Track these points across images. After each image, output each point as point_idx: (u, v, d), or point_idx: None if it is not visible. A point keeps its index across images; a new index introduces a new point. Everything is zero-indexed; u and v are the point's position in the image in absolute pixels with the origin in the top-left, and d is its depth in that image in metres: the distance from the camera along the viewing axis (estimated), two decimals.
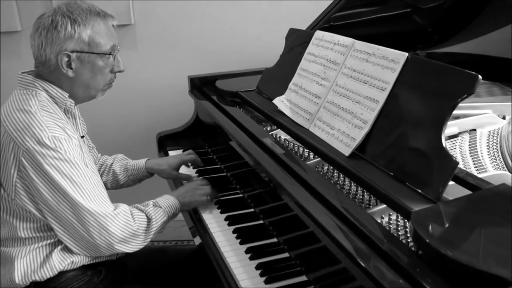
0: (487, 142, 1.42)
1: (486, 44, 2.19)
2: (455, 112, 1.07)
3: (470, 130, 1.51)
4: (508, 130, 1.46)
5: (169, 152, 1.94)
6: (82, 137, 1.45)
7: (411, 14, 2.12)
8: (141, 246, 1.31)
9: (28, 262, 1.28)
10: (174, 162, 1.69)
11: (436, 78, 1.06)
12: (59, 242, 1.29)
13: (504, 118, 1.57)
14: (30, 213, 1.26)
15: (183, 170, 1.80)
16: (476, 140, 1.42)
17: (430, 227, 0.85)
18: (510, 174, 1.22)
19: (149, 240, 1.32)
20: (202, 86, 1.99)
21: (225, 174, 1.72)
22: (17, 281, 1.27)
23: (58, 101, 1.29)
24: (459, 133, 1.49)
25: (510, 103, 1.62)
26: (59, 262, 1.28)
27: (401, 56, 1.17)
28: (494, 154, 1.36)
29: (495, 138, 1.45)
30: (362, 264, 0.85)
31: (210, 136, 1.93)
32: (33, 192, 1.22)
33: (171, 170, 1.67)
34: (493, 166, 1.28)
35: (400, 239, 0.97)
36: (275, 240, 1.31)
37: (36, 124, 1.19)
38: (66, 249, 1.29)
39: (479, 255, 0.77)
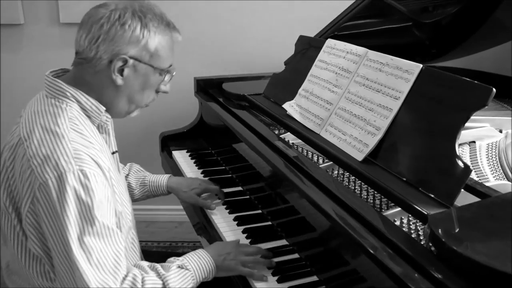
0: (486, 154, 1.48)
1: (481, 61, 2.28)
2: None
3: (470, 142, 1.57)
4: (506, 143, 1.52)
5: (173, 152, 1.96)
6: (113, 153, 1.25)
7: (412, 28, 2.19)
8: None
9: None
10: (197, 189, 1.56)
11: (450, 90, 1.12)
12: None
13: (501, 131, 1.64)
14: (38, 255, 1.08)
15: (187, 169, 1.82)
16: (476, 152, 1.48)
17: (446, 229, 0.89)
18: (511, 183, 1.29)
19: None
20: (207, 88, 2.02)
21: (230, 175, 1.75)
22: None
23: (92, 115, 1.12)
24: (459, 144, 1.55)
25: (507, 118, 1.70)
26: None
27: (415, 67, 1.22)
28: (494, 166, 1.42)
29: (493, 150, 1.51)
30: (384, 263, 0.89)
31: (214, 138, 1.96)
32: (40, 232, 1.04)
33: (192, 194, 1.55)
34: (494, 177, 1.34)
35: None
36: (285, 242, 1.35)
37: (62, 152, 1.00)
38: None
39: (494, 255, 0.82)
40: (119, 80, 1.10)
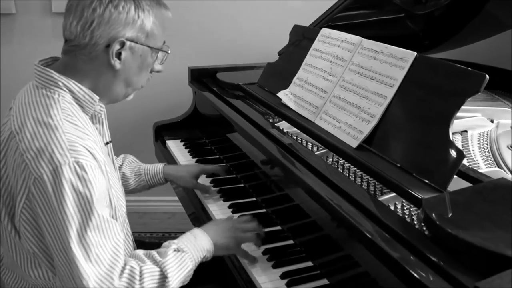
0: (478, 143, 1.50)
1: (473, 53, 2.31)
2: None
3: (462, 132, 1.59)
4: (498, 133, 1.55)
5: (167, 141, 1.96)
6: (107, 143, 1.22)
7: (405, 19, 2.20)
8: None
9: None
10: (194, 170, 1.56)
11: (444, 77, 1.13)
12: None
13: (492, 121, 1.66)
14: (34, 254, 1.04)
15: (181, 158, 1.82)
16: (468, 141, 1.50)
17: (440, 212, 0.91)
18: (503, 171, 1.31)
19: None
20: (202, 77, 2.02)
21: (224, 164, 1.76)
22: None
23: (85, 105, 1.08)
24: (452, 134, 1.57)
25: (498, 108, 1.72)
26: None
27: (410, 55, 1.23)
28: (486, 154, 1.44)
29: (485, 139, 1.53)
30: (380, 246, 0.90)
31: (207, 128, 1.96)
32: (38, 228, 1.01)
33: (190, 178, 1.54)
34: (485, 165, 1.36)
35: None
36: (279, 228, 1.36)
37: (57, 144, 0.96)
38: None
39: (487, 237, 0.83)
40: (117, 65, 1.07)
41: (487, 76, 1.04)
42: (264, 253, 1.24)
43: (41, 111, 1.01)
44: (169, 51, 1.18)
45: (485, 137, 1.54)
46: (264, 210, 1.45)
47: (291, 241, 1.30)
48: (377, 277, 0.96)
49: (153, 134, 2.06)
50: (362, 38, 1.41)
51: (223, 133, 1.76)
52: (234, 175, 1.66)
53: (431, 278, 0.80)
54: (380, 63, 1.30)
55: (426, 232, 0.93)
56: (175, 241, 1.12)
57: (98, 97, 1.10)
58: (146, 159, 1.69)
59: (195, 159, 1.81)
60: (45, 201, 0.95)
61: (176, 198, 1.79)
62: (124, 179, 1.51)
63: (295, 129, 1.50)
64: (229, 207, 1.47)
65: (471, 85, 1.06)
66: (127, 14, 1.03)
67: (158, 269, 1.03)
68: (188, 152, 1.87)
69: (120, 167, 1.54)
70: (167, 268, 1.04)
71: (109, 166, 1.15)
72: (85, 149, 0.98)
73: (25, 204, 0.99)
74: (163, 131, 2.02)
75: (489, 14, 2.10)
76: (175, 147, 1.91)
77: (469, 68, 1.09)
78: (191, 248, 1.10)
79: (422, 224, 0.95)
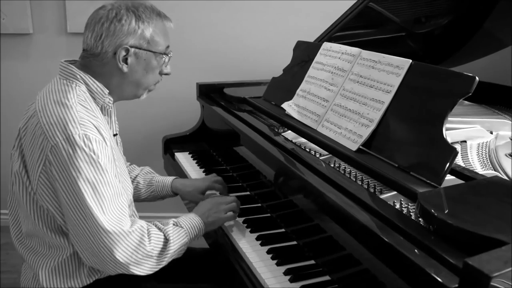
0: (477, 153, 1.55)
1: (472, 71, 2.36)
2: (447, 125, 1.17)
3: (461, 142, 1.64)
4: (496, 144, 1.59)
5: (175, 153, 2.03)
6: (115, 135, 1.41)
7: (405, 38, 2.28)
8: (155, 269, 1.22)
9: (54, 273, 1.26)
10: (201, 186, 1.63)
11: (437, 80, 1.19)
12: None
13: (491, 133, 1.71)
14: (49, 212, 1.22)
15: (189, 168, 1.88)
16: (467, 150, 1.55)
17: (435, 203, 0.96)
18: (499, 173, 1.35)
19: (164, 263, 1.24)
20: (209, 92, 2.10)
21: (231, 174, 1.81)
22: None
23: (96, 96, 1.27)
24: (451, 143, 1.62)
25: (497, 120, 1.77)
26: (89, 275, 1.27)
27: (405, 62, 1.30)
28: (484, 161, 1.48)
29: (484, 149, 1.58)
30: (377, 233, 0.95)
31: (215, 141, 2.03)
32: (53, 191, 1.18)
33: (197, 193, 1.62)
34: (483, 169, 1.40)
35: None
36: (283, 230, 1.40)
37: (70, 119, 1.15)
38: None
39: (477, 223, 0.88)
40: (125, 68, 1.27)
41: (477, 78, 1.10)
42: (276, 261, 1.27)
43: (60, 95, 1.21)
44: (171, 55, 1.36)
45: (484, 147, 1.58)
46: (268, 215, 1.50)
47: (294, 242, 1.34)
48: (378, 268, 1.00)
49: (162, 147, 2.13)
50: (361, 50, 1.48)
51: (230, 146, 1.82)
52: (240, 184, 1.72)
53: (428, 261, 0.84)
54: (378, 71, 1.37)
55: (422, 223, 0.98)
56: (173, 219, 1.31)
57: (108, 91, 1.29)
58: (155, 172, 1.75)
59: (202, 169, 1.87)
60: (61, 165, 1.13)
61: None
62: (136, 189, 1.62)
63: (300, 139, 1.57)
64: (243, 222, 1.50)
65: (462, 87, 1.12)
66: (128, 25, 1.24)
67: (161, 233, 1.24)
68: (196, 163, 1.93)
69: (136, 177, 1.66)
70: (169, 233, 1.24)
71: (117, 154, 1.32)
72: (93, 125, 1.18)
73: (42, 170, 1.17)
74: (172, 144, 2.09)
75: (487, 32, 2.18)
76: (184, 158, 1.98)
77: (460, 72, 1.15)
78: (187, 226, 1.29)
79: (419, 216, 1.00)
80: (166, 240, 1.23)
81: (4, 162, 2.73)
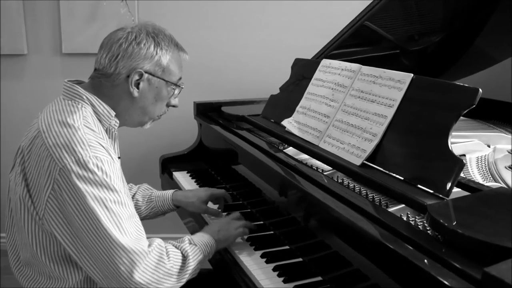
0: (476, 166, 1.56)
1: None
2: None
3: (460, 155, 1.65)
4: (495, 157, 1.61)
5: (173, 173, 2.01)
6: (119, 158, 1.36)
7: (399, 56, 2.32)
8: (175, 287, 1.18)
9: None
10: (203, 195, 1.61)
11: (440, 93, 1.21)
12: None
13: (489, 146, 1.73)
14: (53, 239, 1.17)
15: (188, 187, 1.86)
16: (467, 164, 1.56)
17: (445, 214, 0.95)
18: (502, 185, 1.35)
19: (184, 280, 1.20)
20: (207, 111, 2.10)
21: (230, 192, 1.80)
22: None
23: (102, 118, 1.24)
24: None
25: (494, 134, 1.80)
26: None
27: (407, 76, 1.32)
28: (485, 175, 1.49)
29: (483, 162, 1.59)
30: (391, 246, 0.94)
31: (213, 160, 2.02)
32: (63, 215, 1.13)
33: (200, 203, 1.60)
34: (485, 182, 1.41)
35: None
36: (287, 247, 1.39)
37: (78, 141, 1.11)
38: None
39: (489, 233, 0.87)
40: (135, 93, 1.24)
41: (480, 90, 1.11)
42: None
43: (65, 115, 1.17)
44: (183, 86, 1.34)
45: (483, 160, 1.60)
46: (272, 232, 1.48)
47: (299, 259, 1.32)
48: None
49: (160, 166, 2.11)
50: (361, 66, 1.50)
51: (228, 164, 1.81)
52: (241, 202, 1.70)
53: (443, 272, 0.83)
54: (380, 86, 1.38)
55: (430, 233, 0.97)
56: (187, 236, 1.28)
57: (114, 113, 1.26)
58: None
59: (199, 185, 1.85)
60: (72, 188, 1.08)
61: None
62: (136, 207, 1.58)
63: (301, 156, 1.56)
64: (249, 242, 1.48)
65: (466, 99, 1.13)
66: (147, 50, 1.22)
67: (179, 251, 1.21)
68: (195, 182, 1.91)
69: (134, 195, 1.62)
70: (187, 250, 1.22)
71: (122, 175, 1.26)
72: (101, 146, 1.15)
73: (50, 194, 1.12)
74: (170, 164, 2.08)
75: (478, 49, 2.22)
76: (182, 177, 1.96)
77: (463, 84, 1.17)
78: (200, 244, 1.27)
79: (427, 227, 0.99)
80: (185, 258, 1.21)
81: (3, 184, 2.68)
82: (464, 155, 1.64)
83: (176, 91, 1.33)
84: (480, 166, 1.55)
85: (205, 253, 1.27)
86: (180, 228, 1.85)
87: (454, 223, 0.91)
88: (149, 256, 1.12)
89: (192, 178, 1.95)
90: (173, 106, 1.36)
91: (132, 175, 2.28)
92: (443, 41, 2.24)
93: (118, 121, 1.28)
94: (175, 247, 1.22)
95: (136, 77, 1.22)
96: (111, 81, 1.23)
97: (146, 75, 1.23)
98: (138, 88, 1.24)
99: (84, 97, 1.22)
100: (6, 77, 2.55)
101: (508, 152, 1.65)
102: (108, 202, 1.09)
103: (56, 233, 1.14)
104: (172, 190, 1.64)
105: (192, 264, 1.21)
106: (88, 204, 1.08)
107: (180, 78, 1.33)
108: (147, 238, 1.17)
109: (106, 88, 1.24)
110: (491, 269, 0.73)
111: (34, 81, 2.55)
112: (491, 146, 1.72)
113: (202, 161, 2.08)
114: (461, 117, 1.99)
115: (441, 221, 0.91)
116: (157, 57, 1.24)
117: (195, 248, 1.25)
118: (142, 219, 1.54)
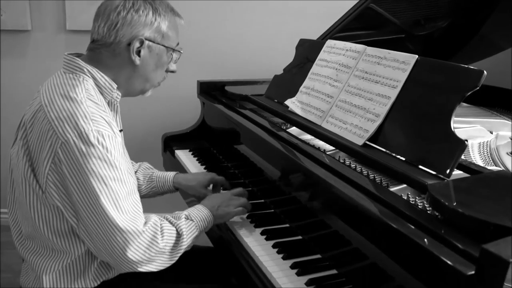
0: (478, 151, 1.56)
1: None
2: None
3: None
4: (497, 144, 1.61)
5: (176, 151, 2.01)
6: (121, 131, 1.34)
7: (405, 40, 2.30)
8: (167, 265, 1.21)
9: (59, 277, 1.22)
10: (204, 180, 1.60)
11: (444, 75, 1.20)
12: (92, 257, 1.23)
13: (491, 132, 1.73)
14: (58, 210, 1.17)
15: (190, 165, 1.87)
16: (468, 149, 1.56)
17: (445, 194, 0.96)
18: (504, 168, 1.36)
19: (176, 258, 1.22)
20: (210, 90, 2.09)
21: (232, 171, 1.81)
22: None
23: (104, 91, 1.22)
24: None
25: (497, 120, 1.79)
26: (95, 278, 1.24)
27: (411, 58, 1.31)
28: (487, 161, 1.50)
29: (485, 148, 1.59)
30: (391, 224, 0.95)
31: (215, 139, 2.02)
32: (64, 188, 1.13)
33: (200, 187, 1.59)
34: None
35: None
36: (287, 225, 1.40)
37: (81, 114, 1.10)
38: (103, 265, 1.24)
39: (489, 212, 0.88)
40: (137, 61, 1.23)
41: (485, 72, 1.11)
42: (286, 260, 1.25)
43: (67, 89, 1.16)
44: (182, 51, 1.34)
45: (485, 146, 1.60)
46: (272, 210, 1.49)
47: (299, 237, 1.33)
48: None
49: (162, 144, 2.11)
50: (366, 46, 1.49)
51: (230, 143, 1.82)
52: (242, 180, 1.71)
53: (442, 250, 0.84)
54: (384, 67, 1.38)
55: (430, 212, 0.98)
56: (184, 211, 1.29)
57: (116, 85, 1.25)
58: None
59: (203, 166, 1.86)
60: (72, 162, 1.08)
61: None
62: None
63: (304, 136, 1.56)
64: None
65: (470, 81, 1.13)
66: (146, 17, 1.21)
67: (174, 228, 1.22)
68: (197, 160, 1.92)
69: (135, 172, 1.61)
70: (182, 228, 1.22)
71: (124, 148, 1.30)
72: (104, 120, 1.14)
73: (51, 167, 1.12)
74: (172, 142, 2.08)
75: (484, 36, 2.21)
76: (184, 156, 1.97)
77: (468, 66, 1.16)
78: (197, 219, 1.28)
79: (427, 207, 1.00)
80: (179, 235, 1.21)
81: (4, 160, 2.70)
82: (466, 140, 1.64)
83: (175, 56, 1.33)
84: (482, 151, 1.55)
85: (201, 228, 1.28)
86: (181, 207, 1.86)
87: (454, 203, 0.92)
88: (142, 235, 1.13)
89: (194, 157, 1.96)
90: (172, 71, 1.35)
91: (134, 153, 2.28)
92: (450, 27, 2.22)
93: (120, 94, 1.28)
94: (171, 223, 1.22)
95: (137, 44, 1.21)
96: (111, 51, 1.21)
97: (147, 42, 1.22)
98: (139, 55, 1.22)
99: (85, 70, 1.20)
100: (8, 53, 2.54)
101: (511, 139, 1.65)
102: (107, 180, 1.09)
103: (60, 204, 1.15)
104: (174, 172, 1.64)
105: (186, 242, 1.22)
106: (87, 180, 1.08)
107: (178, 43, 1.32)
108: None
109: (107, 58, 1.22)
110: (489, 246, 0.74)
111: (37, 58, 2.54)
112: (493, 133, 1.72)
113: (204, 140, 2.09)
114: (465, 104, 2.01)
115: (441, 200, 0.92)
116: (156, 23, 1.23)
117: (191, 224, 1.25)
118: (141, 197, 1.56)
